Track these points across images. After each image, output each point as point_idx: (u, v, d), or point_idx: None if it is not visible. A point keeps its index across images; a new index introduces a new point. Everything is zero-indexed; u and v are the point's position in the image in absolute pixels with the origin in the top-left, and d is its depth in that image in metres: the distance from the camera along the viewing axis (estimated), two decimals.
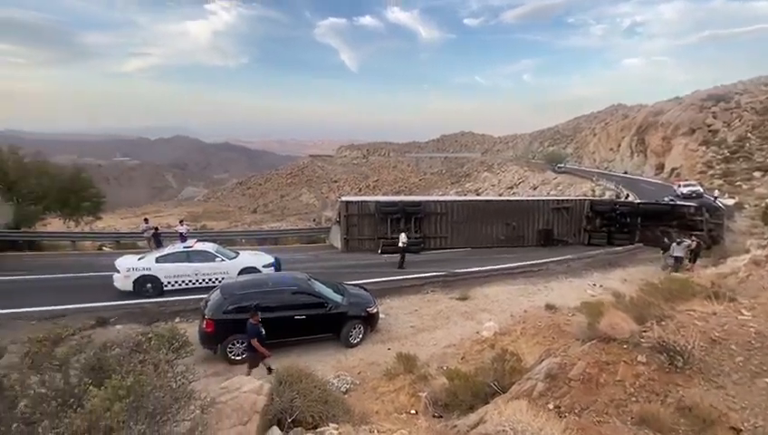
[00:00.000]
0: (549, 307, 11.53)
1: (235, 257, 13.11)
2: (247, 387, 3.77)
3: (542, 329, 9.89)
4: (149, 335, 3.53)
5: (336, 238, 19.58)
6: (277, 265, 13.21)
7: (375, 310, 9.93)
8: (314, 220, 36.40)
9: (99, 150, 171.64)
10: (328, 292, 9.71)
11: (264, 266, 12.85)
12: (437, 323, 10.87)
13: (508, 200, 24.57)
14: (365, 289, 11.01)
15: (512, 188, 56.47)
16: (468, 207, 20.41)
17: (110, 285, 11.63)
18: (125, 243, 18.75)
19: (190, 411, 3.24)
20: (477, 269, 15.45)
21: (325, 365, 8.45)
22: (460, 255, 18.62)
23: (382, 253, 18.14)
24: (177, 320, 10.06)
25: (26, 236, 17.40)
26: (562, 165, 59.37)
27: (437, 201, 21.13)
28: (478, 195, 55.05)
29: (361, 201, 19.85)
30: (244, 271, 12.31)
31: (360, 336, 9.57)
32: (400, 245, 15.80)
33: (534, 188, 51.79)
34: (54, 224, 20.87)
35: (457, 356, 8.97)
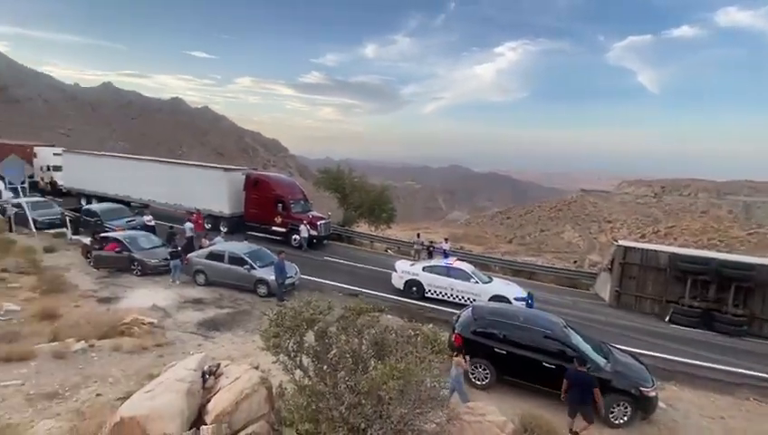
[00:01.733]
0: None
1: (488, 282, 13.44)
2: (491, 417, 3.64)
3: None
4: (417, 332, 4.03)
5: (604, 289, 16.62)
6: (529, 301, 12.53)
7: (653, 392, 7.63)
8: (575, 262, 32.43)
9: (396, 175, 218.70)
10: (586, 348, 8.27)
11: (515, 299, 12.50)
12: None
13: None
14: (639, 361, 8.70)
15: None
16: None
17: (388, 280, 14.42)
18: (403, 250, 22.87)
19: (437, 416, 3.42)
20: None
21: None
22: None
23: (672, 322, 13.93)
24: (431, 326, 11.21)
25: (347, 233, 24.22)
26: None
27: None
28: None
29: (648, 250, 15.99)
30: (494, 298, 12.39)
31: (625, 418, 7.57)
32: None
33: None
34: (363, 227, 28.08)
35: None
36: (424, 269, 13.92)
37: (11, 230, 17.12)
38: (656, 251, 15.65)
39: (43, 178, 27.34)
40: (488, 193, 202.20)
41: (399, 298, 13.59)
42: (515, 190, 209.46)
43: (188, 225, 17.42)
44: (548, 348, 8.18)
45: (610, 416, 7.57)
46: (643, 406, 7.60)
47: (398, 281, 14.09)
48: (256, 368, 4.37)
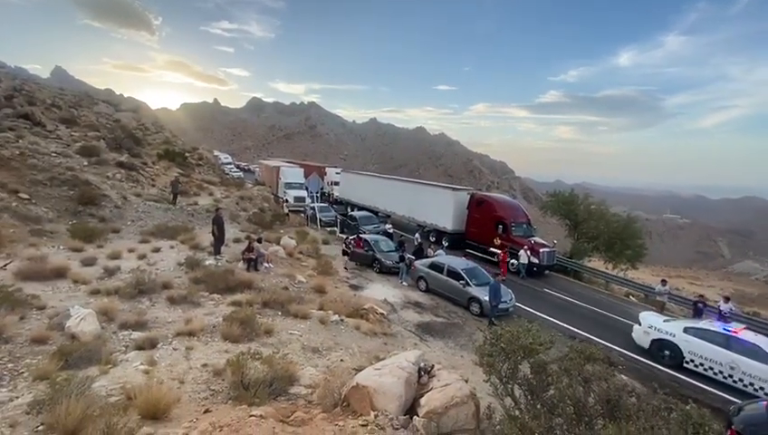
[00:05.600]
0: None
1: None
2: None
3: None
4: (673, 407, 3.08)
5: None
6: None
7: None
8: None
9: (651, 205, 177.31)
10: None
11: None
12: None
13: None
14: None
15: None
16: None
17: (627, 333, 11.77)
18: (652, 299, 18.20)
19: None
20: None
21: None
22: None
23: None
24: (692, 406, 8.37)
25: (575, 266, 21.37)
26: None
27: None
28: None
29: None
30: None
31: None
32: None
33: None
34: (595, 262, 24.08)
35: None
36: (686, 330, 10.60)
37: (307, 225, 24.09)
38: None
39: (328, 191, 37.25)
40: None
41: (641, 359, 10.86)
42: None
43: (417, 235, 19.82)
44: None
45: None
46: None
47: (641, 337, 11.30)
48: (466, 381, 4.45)
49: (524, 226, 20.16)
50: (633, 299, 18.60)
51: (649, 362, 10.67)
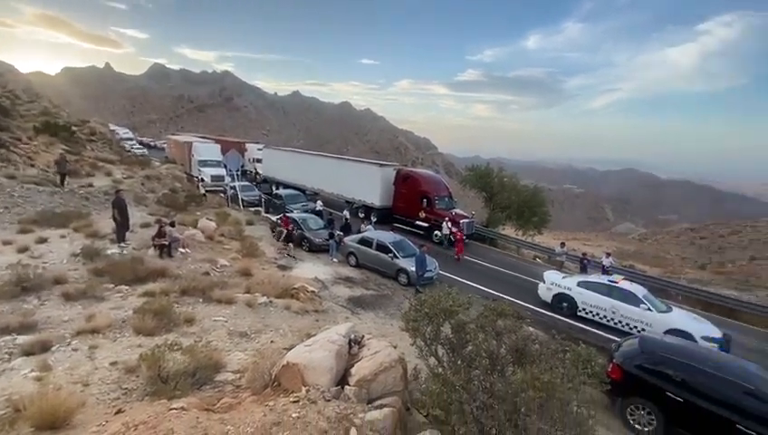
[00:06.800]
0: None
1: (665, 312, 10.99)
2: None
3: None
4: (566, 349, 3.60)
5: None
6: (723, 345, 9.70)
7: None
8: None
9: (554, 177, 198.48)
10: None
11: (702, 338, 9.89)
12: None
13: None
14: None
15: None
16: None
17: (534, 291, 13.28)
18: (555, 260, 20.68)
19: None
20: None
21: None
22: None
23: None
24: (583, 346, 9.86)
25: (491, 234, 23.29)
26: None
27: None
28: None
29: None
30: (673, 332, 10.05)
31: None
32: None
33: None
34: (508, 230, 26.50)
35: None
36: (579, 284, 12.30)
37: (228, 205, 22.57)
38: None
39: (249, 168, 35.08)
40: (675, 205, 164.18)
41: (545, 312, 12.39)
42: (715, 203, 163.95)
43: (345, 212, 19.84)
44: (748, 409, 6.20)
45: None
46: None
47: (545, 293, 12.85)
48: (395, 347, 4.67)
49: (446, 199, 21.27)
50: (539, 261, 20.94)
51: (552, 314, 12.24)
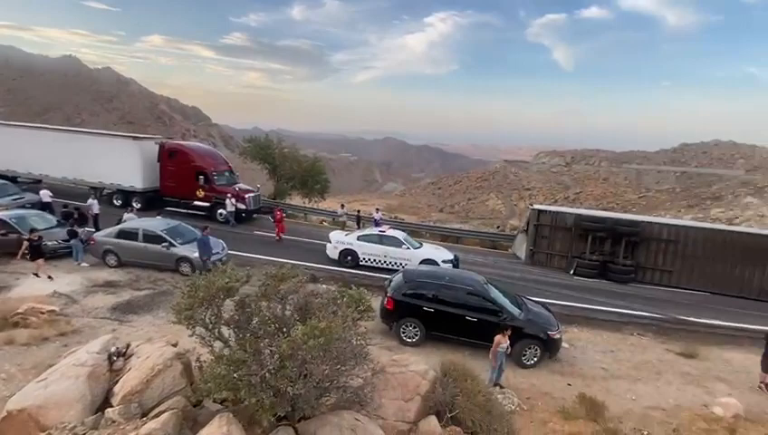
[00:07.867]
0: None
1: (418, 248, 14.03)
2: (414, 367, 3.87)
3: None
4: (343, 294, 4.08)
5: (521, 248, 18.27)
6: (455, 263, 13.42)
7: (558, 335, 8.72)
8: (498, 227, 35.10)
9: (331, 146, 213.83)
10: (504, 301, 9.10)
11: (442, 261, 13.25)
12: (641, 375, 8.68)
13: None
14: (548, 309, 9.82)
15: None
16: (716, 238, 15.41)
17: (323, 252, 14.34)
18: (339, 221, 22.77)
19: (363, 370, 3.55)
20: (719, 323, 11.68)
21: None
22: (689, 298, 14.35)
23: (576, 274, 15.84)
24: (361, 289, 11.49)
25: (279, 206, 23.33)
26: None
27: (665, 224, 16.81)
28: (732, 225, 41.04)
29: (557, 212, 17.80)
30: (424, 261, 13.00)
31: (535, 359, 8.60)
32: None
33: None
34: (295, 199, 27.27)
35: (667, 425, 6.93)
36: (359, 238, 14.05)
37: None
38: (563, 213, 17.48)
39: None
40: (421, 165, 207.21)
41: (335, 268, 13.63)
42: (445, 161, 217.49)
43: (93, 202, 15.59)
44: (471, 303, 8.86)
45: (523, 358, 8.54)
46: (549, 347, 8.68)
47: (332, 252, 14.08)
48: (174, 345, 4.13)
49: (227, 174, 19.71)
50: (326, 224, 22.61)
51: (341, 269, 13.60)
